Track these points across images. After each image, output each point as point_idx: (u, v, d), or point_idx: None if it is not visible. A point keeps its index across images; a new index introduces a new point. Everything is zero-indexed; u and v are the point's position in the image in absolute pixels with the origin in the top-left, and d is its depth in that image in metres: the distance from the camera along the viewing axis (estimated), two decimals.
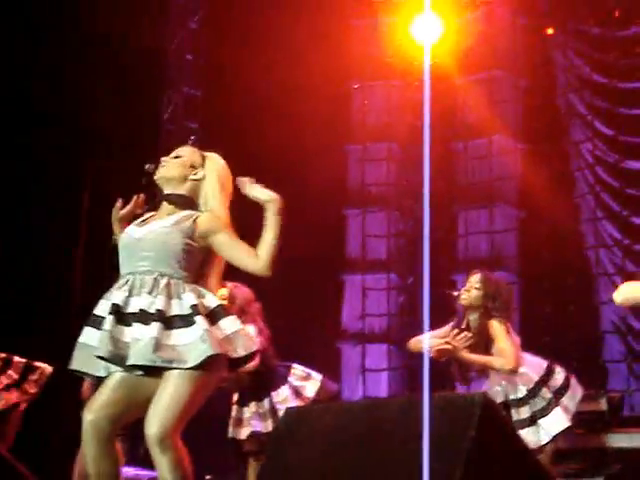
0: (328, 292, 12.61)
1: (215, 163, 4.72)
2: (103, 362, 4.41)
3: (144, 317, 4.31)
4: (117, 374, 4.44)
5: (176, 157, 4.67)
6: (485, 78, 11.80)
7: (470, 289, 6.68)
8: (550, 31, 11.63)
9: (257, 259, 4.49)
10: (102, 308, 4.46)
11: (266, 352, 7.11)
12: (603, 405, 8.58)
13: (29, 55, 10.08)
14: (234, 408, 7.11)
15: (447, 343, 6.34)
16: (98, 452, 4.41)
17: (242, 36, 11.06)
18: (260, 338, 7.05)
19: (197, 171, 4.63)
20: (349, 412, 4.19)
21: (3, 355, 7.36)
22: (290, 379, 7.09)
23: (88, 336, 4.44)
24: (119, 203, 4.88)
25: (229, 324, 4.44)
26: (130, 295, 4.42)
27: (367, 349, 12.64)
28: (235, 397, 7.15)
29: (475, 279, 6.72)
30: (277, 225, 4.50)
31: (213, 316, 4.41)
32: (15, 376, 7.30)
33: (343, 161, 12.81)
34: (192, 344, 4.27)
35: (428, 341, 6.33)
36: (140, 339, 4.28)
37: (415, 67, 11.02)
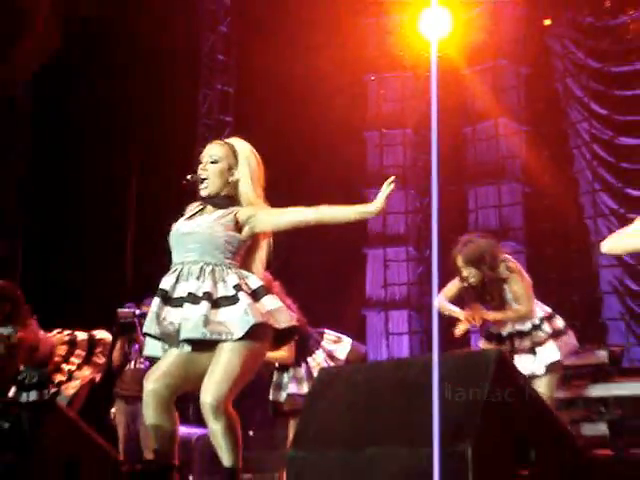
0: (353, 265, 12.65)
1: (244, 153, 4.69)
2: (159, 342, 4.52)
3: (193, 299, 4.38)
4: (174, 350, 4.50)
5: (213, 162, 4.64)
6: (489, 67, 11.81)
7: (465, 273, 6.59)
8: (547, 22, 11.59)
9: (308, 209, 4.54)
10: (167, 282, 4.54)
11: (300, 322, 7.20)
12: (605, 358, 8.57)
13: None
14: (275, 374, 7.19)
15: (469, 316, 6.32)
16: (158, 417, 4.50)
17: (267, 37, 11.09)
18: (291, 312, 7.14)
19: (234, 171, 4.63)
20: (377, 370, 4.22)
21: (67, 337, 7.37)
22: (323, 343, 7.15)
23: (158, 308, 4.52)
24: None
25: (270, 301, 4.49)
26: (177, 282, 4.48)
27: (389, 315, 12.68)
28: (276, 364, 7.23)
29: (459, 264, 6.59)
30: (349, 214, 4.59)
31: (255, 294, 4.46)
32: (83, 353, 7.34)
33: (362, 146, 12.83)
34: (238, 318, 4.33)
35: (450, 307, 6.31)
36: (190, 317, 4.34)
37: (425, 59, 10.99)
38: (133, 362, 8.79)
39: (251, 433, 8.80)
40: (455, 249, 6.53)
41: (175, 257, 4.61)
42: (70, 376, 7.32)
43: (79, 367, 7.30)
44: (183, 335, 4.35)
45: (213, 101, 12.02)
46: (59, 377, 7.26)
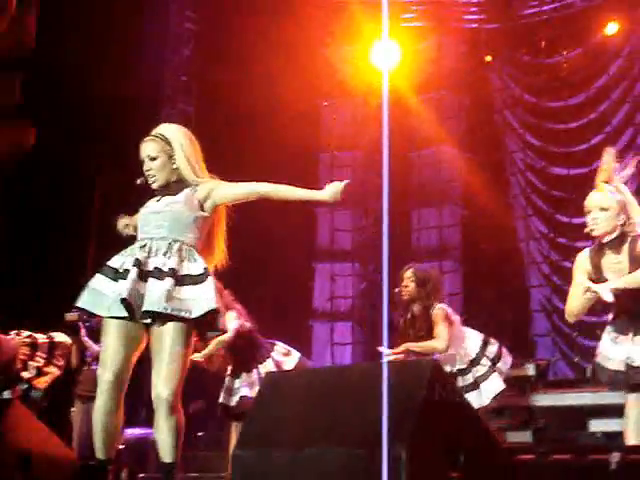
0: (301, 278, 12.64)
1: (175, 138, 4.66)
2: (105, 304, 4.41)
3: (159, 274, 4.33)
4: (113, 333, 4.42)
5: (152, 159, 4.62)
6: (434, 97, 11.85)
7: (407, 284, 6.73)
8: (488, 58, 11.67)
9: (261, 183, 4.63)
10: (118, 261, 4.48)
11: (252, 331, 7.22)
12: (531, 371, 8.65)
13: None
14: (227, 379, 7.18)
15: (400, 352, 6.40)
16: (109, 408, 4.44)
17: (228, 61, 11.05)
18: (241, 320, 7.14)
19: (173, 158, 4.60)
20: (320, 376, 4.24)
21: (28, 340, 7.31)
22: (273, 354, 7.19)
23: (100, 284, 4.46)
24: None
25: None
26: (149, 256, 4.43)
27: (334, 326, 12.69)
28: (228, 370, 7.22)
29: (407, 275, 6.74)
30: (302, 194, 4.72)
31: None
32: (44, 356, 7.29)
33: (316, 167, 12.84)
34: (198, 299, 4.31)
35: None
36: (154, 291, 4.30)
37: (375, 87, 11.04)
38: (89, 364, 8.75)
39: (200, 434, 8.74)
40: (411, 264, 6.72)
41: (144, 232, 4.56)
42: (39, 372, 7.27)
43: (45, 365, 7.27)
44: (145, 307, 4.29)
45: (173, 119, 12.00)
46: (26, 374, 7.20)
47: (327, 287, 12.83)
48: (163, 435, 4.35)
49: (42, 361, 7.31)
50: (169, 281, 4.30)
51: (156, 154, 4.60)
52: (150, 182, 4.62)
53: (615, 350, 5.08)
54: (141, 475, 7.57)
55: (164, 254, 4.41)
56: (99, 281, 4.47)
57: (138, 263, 4.39)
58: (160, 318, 4.31)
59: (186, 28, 11.99)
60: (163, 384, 4.30)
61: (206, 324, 4.48)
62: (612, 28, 10.83)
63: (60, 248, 10.15)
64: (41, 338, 7.31)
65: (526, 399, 8.43)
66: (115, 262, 4.49)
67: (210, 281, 4.36)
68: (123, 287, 4.33)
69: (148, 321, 4.36)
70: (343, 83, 12.12)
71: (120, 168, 10.03)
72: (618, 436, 7.43)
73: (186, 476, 7.64)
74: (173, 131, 4.70)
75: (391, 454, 3.25)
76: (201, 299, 4.31)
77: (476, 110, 11.85)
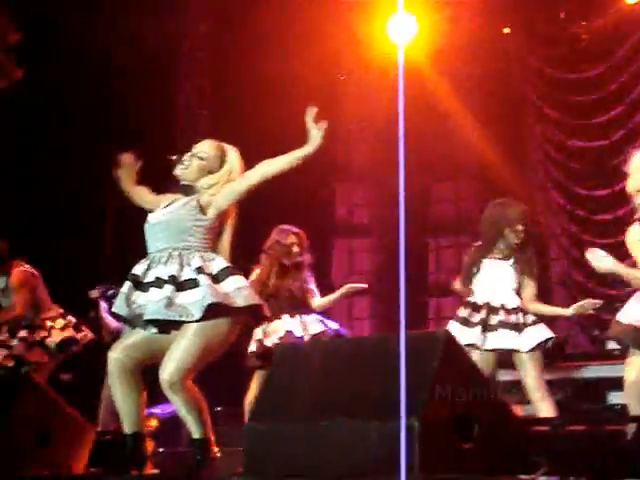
0: (320, 253, 12.64)
1: (230, 164, 4.77)
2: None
3: (159, 283, 4.46)
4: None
5: (200, 158, 4.72)
6: (451, 70, 11.79)
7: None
8: (506, 30, 11.60)
9: (254, 171, 4.75)
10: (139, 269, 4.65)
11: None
12: (549, 343, 8.66)
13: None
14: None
15: None
16: (122, 388, 4.56)
17: (245, 37, 11.03)
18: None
19: (212, 174, 4.70)
20: (333, 347, 4.27)
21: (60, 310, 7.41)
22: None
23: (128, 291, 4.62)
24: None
25: (232, 283, 4.53)
26: (149, 268, 4.56)
27: (353, 301, 12.70)
28: None
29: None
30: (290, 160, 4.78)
31: (217, 277, 4.52)
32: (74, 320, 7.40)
33: (332, 142, 12.80)
34: (196, 299, 4.39)
35: None
36: (154, 300, 4.43)
37: (392, 60, 11.00)
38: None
39: (219, 409, 8.78)
40: None
41: (149, 247, 4.70)
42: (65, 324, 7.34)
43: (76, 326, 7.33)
44: (147, 316, 4.44)
45: (191, 95, 12.01)
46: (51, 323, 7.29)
47: (345, 262, 12.84)
48: (181, 413, 4.50)
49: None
50: (168, 288, 4.41)
51: (206, 157, 4.73)
52: (178, 167, 4.75)
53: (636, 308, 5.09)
54: (161, 449, 7.61)
55: (164, 263, 4.52)
56: (127, 287, 4.61)
57: (134, 277, 4.57)
58: (170, 325, 4.49)
59: (200, 3, 11.99)
60: (163, 368, 4.44)
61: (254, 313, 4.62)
62: None
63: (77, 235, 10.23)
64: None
65: (545, 372, 8.45)
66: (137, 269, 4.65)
67: (203, 280, 4.46)
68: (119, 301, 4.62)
69: (154, 331, 4.48)
70: (360, 57, 12.07)
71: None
72: None
73: None
74: (233, 157, 4.82)
75: (405, 426, 3.27)
76: (198, 300, 4.40)
77: (493, 82, 11.76)
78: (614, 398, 7.85)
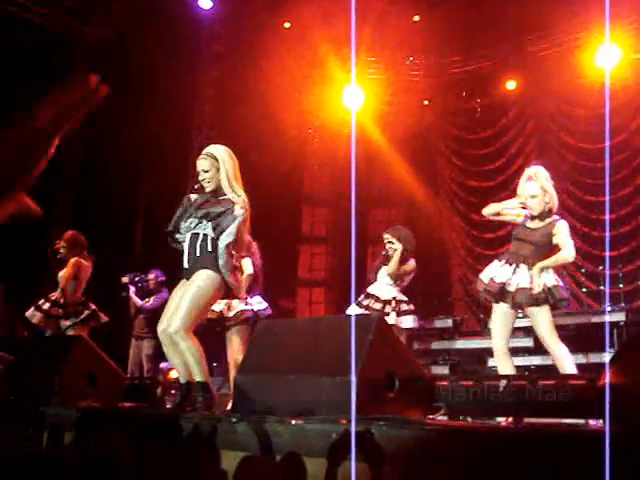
0: (289, 256, 12.62)
1: (220, 157, 4.55)
2: None
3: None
4: (177, 291, 4.33)
5: (205, 171, 4.50)
6: (388, 129, 11.77)
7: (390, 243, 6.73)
8: (426, 102, 11.67)
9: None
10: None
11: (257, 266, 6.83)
12: (449, 323, 8.72)
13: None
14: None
15: None
16: (170, 350, 4.25)
17: (239, 101, 10.90)
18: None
19: (219, 170, 4.50)
20: (301, 323, 4.27)
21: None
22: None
23: None
24: None
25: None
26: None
27: (313, 289, 12.70)
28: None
29: (386, 237, 6.80)
30: None
31: None
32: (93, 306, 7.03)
33: (301, 176, 12.81)
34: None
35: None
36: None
37: (346, 121, 11.06)
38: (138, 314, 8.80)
39: (214, 364, 8.73)
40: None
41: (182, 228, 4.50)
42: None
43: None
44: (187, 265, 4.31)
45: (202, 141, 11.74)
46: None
47: (308, 262, 12.83)
48: (186, 358, 4.17)
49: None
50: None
51: (207, 168, 4.52)
52: (205, 187, 4.53)
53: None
54: (173, 391, 7.54)
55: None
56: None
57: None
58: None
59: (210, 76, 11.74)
60: (173, 317, 4.18)
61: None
62: (511, 84, 10.89)
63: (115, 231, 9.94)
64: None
65: (446, 344, 8.51)
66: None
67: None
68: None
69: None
70: (323, 117, 12.11)
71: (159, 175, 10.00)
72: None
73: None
74: (219, 151, 4.60)
75: (345, 381, 3.30)
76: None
77: (417, 138, 11.87)
78: (492, 362, 7.92)
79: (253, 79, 10.66)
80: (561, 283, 5.02)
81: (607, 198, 10.33)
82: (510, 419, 4.11)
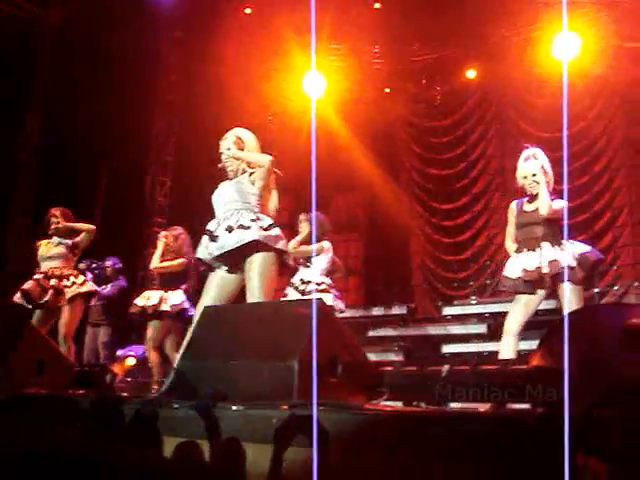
0: None
1: (245, 138, 4.95)
2: None
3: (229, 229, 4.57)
4: (213, 278, 4.63)
5: (228, 149, 4.85)
6: (349, 117, 11.79)
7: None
8: (387, 90, 11.69)
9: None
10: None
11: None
12: (404, 310, 8.80)
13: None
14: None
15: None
16: None
17: (201, 86, 10.87)
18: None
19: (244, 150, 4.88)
20: (245, 309, 4.28)
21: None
22: None
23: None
24: None
25: (275, 232, 4.61)
26: (219, 225, 4.65)
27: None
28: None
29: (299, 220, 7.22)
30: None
31: (268, 227, 4.61)
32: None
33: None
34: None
35: None
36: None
37: (307, 108, 11.05)
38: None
39: None
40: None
41: (217, 211, 4.76)
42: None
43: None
44: (215, 252, 4.57)
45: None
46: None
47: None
48: None
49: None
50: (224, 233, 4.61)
51: (230, 146, 4.88)
52: (227, 167, 4.86)
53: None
54: (129, 379, 7.53)
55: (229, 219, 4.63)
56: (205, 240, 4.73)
57: (209, 233, 4.69)
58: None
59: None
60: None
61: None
62: (471, 73, 10.96)
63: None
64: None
65: (400, 330, 8.58)
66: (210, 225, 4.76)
67: (254, 226, 4.58)
68: (201, 249, 4.76)
69: (224, 269, 4.71)
70: (284, 104, 12.08)
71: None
72: (461, 355, 7.63)
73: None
74: (244, 132, 5.02)
75: (288, 366, 3.32)
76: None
77: (378, 126, 11.88)
78: (446, 348, 8.02)
79: (213, 65, 10.59)
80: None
81: (565, 187, 10.43)
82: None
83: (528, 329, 7.02)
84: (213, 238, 4.61)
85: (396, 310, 8.74)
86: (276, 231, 4.61)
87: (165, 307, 6.91)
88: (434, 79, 11.24)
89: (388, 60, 11.27)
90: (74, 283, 6.43)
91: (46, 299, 6.35)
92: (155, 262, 7.03)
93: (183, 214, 10.31)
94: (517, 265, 5.01)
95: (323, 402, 3.20)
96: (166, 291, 7.01)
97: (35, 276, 6.49)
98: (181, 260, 7.06)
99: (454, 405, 4.33)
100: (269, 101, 11.93)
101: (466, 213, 11.36)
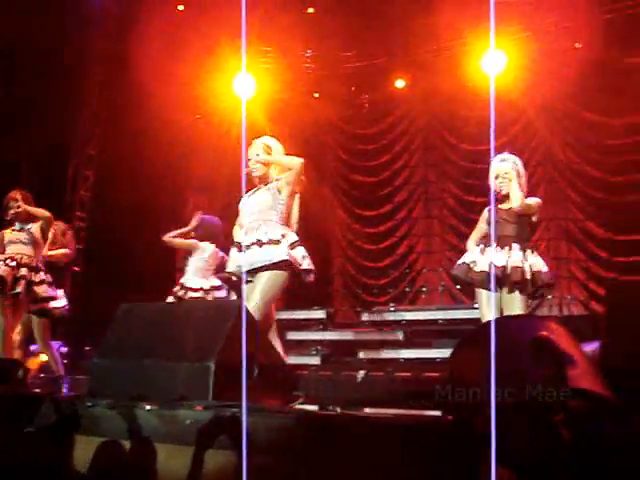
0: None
1: (273, 147, 4.98)
2: None
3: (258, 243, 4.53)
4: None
5: (257, 155, 4.88)
6: (278, 121, 11.71)
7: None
8: (316, 95, 11.70)
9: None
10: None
11: None
12: (323, 315, 8.84)
13: None
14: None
15: None
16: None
17: (131, 84, 10.63)
18: None
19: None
20: (163, 307, 4.27)
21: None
22: None
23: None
24: None
25: (301, 251, 4.62)
26: (246, 235, 4.62)
27: None
28: None
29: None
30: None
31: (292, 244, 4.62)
32: None
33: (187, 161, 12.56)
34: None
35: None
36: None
37: (237, 109, 10.98)
38: None
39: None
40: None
41: (243, 220, 4.74)
42: None
43: None
44: (245, 268, 4.56)
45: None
46: None
47: None
48: None
49: None
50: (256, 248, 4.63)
51: (260, 152, 4.90)
52: (253, 173, 4.89)
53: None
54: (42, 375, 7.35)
55: (256, 230, 4.62)
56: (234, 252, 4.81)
57: (237, 244, 4.77)
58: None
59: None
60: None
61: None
62: (400, 83, 11.11)
63: None
64: None
65: (319, 334, 8.62)
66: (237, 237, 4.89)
67: (284, 241, 4.64)
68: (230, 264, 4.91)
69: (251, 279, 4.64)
70: (213, 104, 11.96)
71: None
72: (378, 362, 7.71)
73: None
74: (272, 142, 5.02)
75: (204, 366, 3.33)
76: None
77: (307, 130, 11.85)
78: (363, 354, 8.06)
79: (143, 64, 10.44)
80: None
81: (492, 199, 10.68)
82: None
83: (445, 337, 7.22)
84: (241, 250, 4.61)
85: (315, 314, 8.78)
86: (302, 251, 4.65)
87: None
88: (363, 86, 11.36)
89: (319, 65, 11.32)
90: (42, 281, 6.26)
91: (18, 290, 6.13)
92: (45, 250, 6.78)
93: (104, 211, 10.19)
94: (485, 259, 5.04)
95: (238, 404, 3.22)
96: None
97: (6, 261, 6.22)
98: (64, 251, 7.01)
99: (368, 410, 4.42)
100: (200, 101, 11.82)
101: (388, 221, 11.51)
